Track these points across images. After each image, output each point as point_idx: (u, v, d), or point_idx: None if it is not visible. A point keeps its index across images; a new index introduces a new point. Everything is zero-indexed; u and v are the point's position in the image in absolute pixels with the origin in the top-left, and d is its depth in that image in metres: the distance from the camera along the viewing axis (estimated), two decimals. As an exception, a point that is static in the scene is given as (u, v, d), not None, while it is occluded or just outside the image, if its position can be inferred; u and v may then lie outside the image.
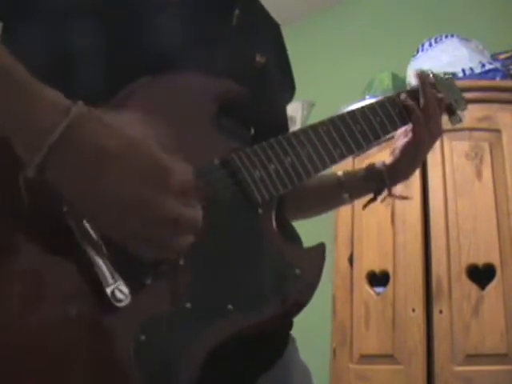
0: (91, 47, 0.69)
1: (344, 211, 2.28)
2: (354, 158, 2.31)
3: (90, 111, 0.52)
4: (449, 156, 2.02)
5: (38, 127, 0.50)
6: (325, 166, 0.77)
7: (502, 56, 2.24)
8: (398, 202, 2.08)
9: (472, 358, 1.77)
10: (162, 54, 0.71)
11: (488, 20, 2.52)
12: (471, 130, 2.01)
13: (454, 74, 2.14)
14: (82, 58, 0.69)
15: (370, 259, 2.15)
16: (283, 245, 0.70)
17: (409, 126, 0.91)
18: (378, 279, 2.11)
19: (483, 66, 2.15)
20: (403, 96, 0.90)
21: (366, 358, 2.06)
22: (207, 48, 0.75)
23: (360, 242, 2.21)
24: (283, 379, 0.77)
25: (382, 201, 0.98)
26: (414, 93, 0.92)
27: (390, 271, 2.06)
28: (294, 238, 0.83)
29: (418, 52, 2.39)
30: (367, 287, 2.13)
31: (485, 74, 2.13)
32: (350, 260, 2.23)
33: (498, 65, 2.15)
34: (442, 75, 1.02)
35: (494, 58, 2.24)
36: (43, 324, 0.54)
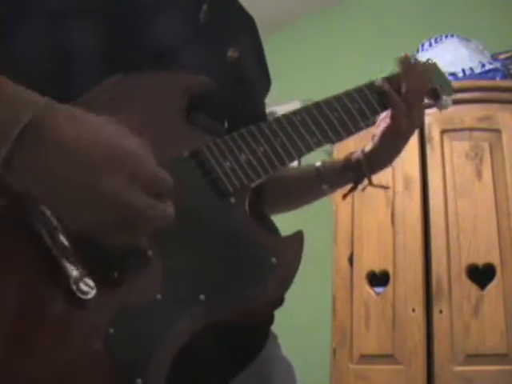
0: (91, 47, 0.69)
1: (344, 211, 2.28)
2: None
3: (56, 104, 0.53)
4: (449, 156, 2.02)
5: (4, 121, 0.50)
6: (300, 154, 0.76)
7: (502, 56, 2.25)
8: (397, 202, 2.08)
9: (472, 357, 1.77)
10: (159, 53, 0.72)
11: (488, 20, 2.52)
12: (471, 129, 2.01)
13: (454, 74, 2.14)
14: (81, 57, 0.69)
15: (370, 259, 2.15)
16: (258, 234, 0.69)
17: (388, 112, 0.89)
18: (378, 279, 2.11)
19: (483, 66, 2.15)
20: (380, 82, 0.88)
21: (366, 358, 2.06)
22: (176, 43, 0.75)
23: (360, 242, 2.21)
24: (263, 375, 0.77)
25: (363, 189, 0.96)
26: (394, 78, 0.89)
27: (390, 271, 2.06)
28: (272, 229, 0.82)
29: (417, 52, 2.39)
30: (367, 287, 2.13)
31: (485, 73, 2.13)
32: (350, 260, 2.23)
33: (498, 65, 2.15)
34: (426, 60, 1.01)
35: (494, 57, 2.24)
36: (13, 319, 0.54)
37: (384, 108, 0.88)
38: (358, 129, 0.84)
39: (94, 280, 0.56)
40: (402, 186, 2.08)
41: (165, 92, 0.69)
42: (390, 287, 2.05)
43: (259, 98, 0.92)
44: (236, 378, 0.72)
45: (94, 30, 0.70)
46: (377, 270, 2.12)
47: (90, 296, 0.55)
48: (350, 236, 2.26)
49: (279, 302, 0.81)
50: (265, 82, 0.95)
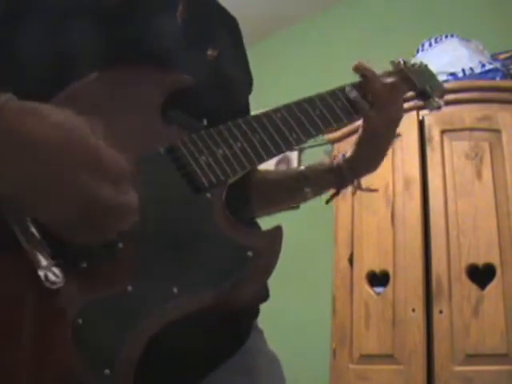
0: (90, 47, 0.69)
1: (344, 211, 2.28)
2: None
3: (15, 100, 0.52)
4: (449, 156, 2.02)
5: None
6: (279, 151, 0.75)
7: (502, 56, 2.25)
8: (397, 202, 2.09)
9: (472, 357, 1.77)
10: (157, 54, 0.72)
11: (488, 20, 2.52)
12: (471, 130, 2.01)
13: (454, 74, 2.14)
14: (81, 58, 0.69)
15: (370, 259, 2.15)
16: (235, 228, 0.68)
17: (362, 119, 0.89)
18: (378, 279, 2.11)
19: (483, 66, 2.15)
20: (348, 89, 0.87)
21: (366, 358, 2.06)
22: (154, 42, 0.75)
23: (360, 242, 2.21)
24: (248, 365, 0.77)
25: (353, 193, 0.96)
26: (360, 84, 0.89)
27: (390, 271, 2.06)
28: (250, 223, 0.82)
29: (418, 52, 2.39)
30: (367, 287, 2.13)
31: (485, 74, 2.13)
32: (350, 260, 2.23)
33: (498, 65, 2.16)
34: (415, 62, 1.00)
35: (494, 57, 2.24)
36: None
37: (348, 116, 0.86)
38: (339, 123, 0.84)
39: (62, 270, 0.55)
40: (402, 186, 2.08)
41: (141, 89, 0.69)
42: (390, 287, 2.05)
43: (240, 96, 0.91)
44: (219, 368, 0.72)
45: (94, 30, 0.70)
46: (377, 270, 2.12)
47: (57, 285, 0.55)
48: (350, 236, 2.26)
49: (263, 296, 0.81)
50: (246, 81, 0.95)
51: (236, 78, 0.88)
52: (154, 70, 0.71)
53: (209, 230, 0.67)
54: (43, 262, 0.55)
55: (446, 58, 2.20)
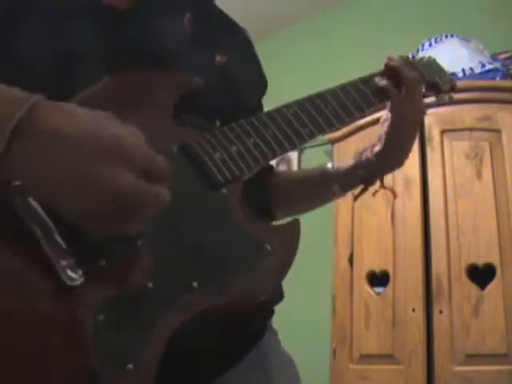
0: (91, 47, 0.70)
1: (344, 211, 2.28)
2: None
3: (45, 100, 0.54)
4: (449, 156, 2.02)
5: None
6: (293, 146, 0.76)
7: (502, 56, 2.25)
8: (398, 202, 2.09)
9: (472, 357, 1.77)
10: (141, 49, 0.72)
11: (488, 20, 2.52)
12: (471, 130, 2.01)
13: (454, 74, 2.14)
14: (81, 58, 0.69)
15: (370, 259, 2.15)
16: (252, 222, 0.69)
17: (387, 114, 0.89)
18: (378, 279, 2.11)
19: (483, 66, 2.15)
20: (378, 78, 0.88)
21: (366, 358, 2.06)
22: (164, 47, 0.75)
23: (360, 242, 2.21)
24: (263, 362, 0.77)
25: (374, 194, 0.96)
26: (388, 74, 0.90)
27: (390, 271, 2.06)
28: (266, 218, 0.82)
29: (418, 52, 2.39)
30: (367, 287, 2.13)
31: (485, 74, 2.13)
32: (350, 260, 2.23)
33: (498, 65, 2.16)
34: (423, 56, 1.01)
35: (494, 57, 2.24)
36: (8, 310, 0.54)
37: (380, 101, 0.88)
38: (352, 119, 0.84)
39: (81, 268, 0.56)
40: (402, 186, 2.08)
41: (152, 91, 0.70)
42: (389, 287, 2.05)
43: (251, 98, 0.92)
44: (234, 367, 0.72)
45: (94, 30, 0.70)
46: (377, 270, 2.12)
47: (77, 283, 0.55)
48: (350, 236, 2.26)
49: (278, 297, 0.81)
50: (258, 83, 0.95)
51: (246, 81, 0.88)
52: (164, 73, 0.72)
53: (226, 225, 0.68)
54: (62, 259, 0.55)
55: (446, 58, 2.20)
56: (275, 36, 3.38)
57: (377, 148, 0.92)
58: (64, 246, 0.56)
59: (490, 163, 1.94)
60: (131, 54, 0.71)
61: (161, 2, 0.80)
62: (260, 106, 0.94)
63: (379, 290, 2.09)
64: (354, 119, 0.85)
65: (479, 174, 1.95)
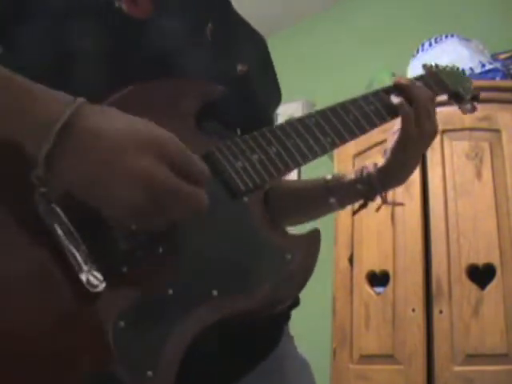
0: (91, 48, 0.69)
1: (344, 211, 2.27)
2: (354, 157, 2.31)
3: (89, 103, 0.56)
4: (449, 156, 2.02)
5: (43, 121, 0.54)
6: (314, 155, 0.75)
7: (502, 56, 2.25)
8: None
9: (472, 357, 1.77)
10: (161, 58, 0.72)
11: (488, 20, 2.52)
12: (471, 129, 2.01)
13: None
14: (81, 58, 0.69)
15: (370, 259, 2.15)
16: (273, 231, 0.69)
17: (398, 126, 0.87)
18: (378, 279, 2.11)
19: (483, 66, 2.15)
20: (391, 96, 0.87)
21: (366, 358, 2.06)
22: (186, 59, 0.76)
23: (360, 243, 2.21)
24: (276, 372, 0.77)
25: (377, 210, 0.95)
26: (399, 88, 0.88)
27: (390, 271, 2.06)
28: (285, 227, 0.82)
29: (417, 52, 2.39)
30: (367, 287, 2.13)
31: (485, 74, 2.13)
32: (350, 260, 2.23)
33: (498, 65, 2.16)
34: (447, 65, 1.00)
35: (494, 57, 2.24)
36: (21, 313, 0.54)
37: (392, 118, 0.87)
38: (373, 127, 0.84)
39: (103, 274, 0.56)
40: (401, 187, 2.07)
41: (175, 99, 0.70)
42: (389, 287, 2.05)
43: (269, 110, 0.92)
44: (248, 375, 0.72)
45: (95, 30, 0.70)
46: (377, 270, 2.12)
47: (99, 289, 0.56)
48: (350, 236, 2.26)
49: (294, 302, 0.81)
50: (275, 94, 0.95)
51: (264, 93, 0.88)
52: (187, 81, 0.73)
53: (247, 234, 0.68)
54: (85, 265, 0.56)
55: (446, 58, 2.20)
56: (276, 36, 3.38)
57: (380, 164, 0.90)
58: (86, 251, 0.56)
59: (490, 163, 1.94)
60: (149, 63, 0.72)
61: (181, 12, 0.80)
62: (272, 119, 0.93)
63: (379, 290, 2.09)
64: (373, 129, 0.84)
65: (479, 174, 1.95)
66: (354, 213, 0.95)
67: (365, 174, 0.90)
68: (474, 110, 0.98)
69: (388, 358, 1.98)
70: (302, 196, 0.97)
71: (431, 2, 2.79)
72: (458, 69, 1.01)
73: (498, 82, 2.10)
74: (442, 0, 2.75)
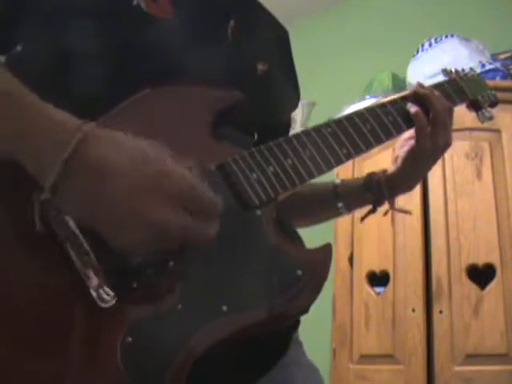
0: (91, 48, 0.69)
1: (344, 211, 2.28)
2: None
3: (97, 130, 0.55)
4: (449, 156, 2.02)
5: (50, 145, 0.53)
6: (329, 167, 0.74)
7: (502, 56, 2.24)
8: (398, 202, 2.08)
9: (472, 358, 1.77)
10: (160, 61, 0.71)
11: (488, 20, 2.52)
12: (471, 129, 2.01)
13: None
14: (81, 58, 0.69)
15: (370, 259, 2.15)
16: (284, 246, 0.68)
17: (411, 133, 0.87)
18: (378, 279, 2.11)
19: (483, 66, 2.15)
20: (408, 104, 0.86)
21: (366, 358, 2.06)
22: (204, 60, 0.75)
23: (360, 242, 2.21)
24: (284, 380, 0.76)
25: (384, 214, 0.94)
26: (418, 98, 0.87)
27: (390, 271, 2.06)
28: (297, 240, 0.82)
29: (417, 52, 2.39)
30: (367, 287, 2.13)
31: (485, 74, 2.13)
32: (350, 260, 2.23)
33: (498, 65, 2.15)
34: (467, 71, 0.99)
35: (494, 57, 2.24)
36: (29, 325, 0.54)
37: (408, 127, 0.86)
38: (390, 139, 0.82)
39: (113, 289, 0.56)
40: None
41: (192, 106, 0.69)
42: (390, 287, 2.05)
43: (287, 110, 0.91)
44: (258, 382, 0.71)
45: (95, 30, 0.70)
46: (377, 270, 2.12)
47: (109, 304, 0.55)
48: (350, 236, 2.26)
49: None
50: (293, 96, 0.94)
51: (284, 93, 0.87)
52: (204, 86, 0.71)
53: (259, 248, 0.67)
54: (95, 280, 0.55)
55: (446, 58, 2.20)
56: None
57: (389, 170, 0.90)
58: (97, 266, 0.56)
59: (490, 163, 1.94)
60: (164, 64, 0.71)
61: (203, 11, 0.79)
62: (289, 121, 0.92)
63: (379, 289, 2.09)
64: (391, 139, 0.83)
65: (479, 174, 1.95)
66: (363, 218, 0.94)
67: (374, 180, 0.91)
68: (491, 118, 0.97)
69: (388, 357, 1.97)
70: (310, 200, 0.97)
71: (431, 2, 2.79)
72: (478, 75, 0.99)
73: (498, 82, 2.10)
74: (442, 0, 2.75)
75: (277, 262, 0.67)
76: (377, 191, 0.91)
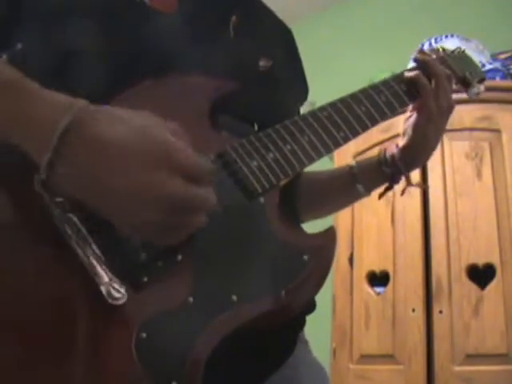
0: (91, 47, 0.69)
1: (344, 211, 2.28)
2: (354, 157, 2.31)
3: (92, 106, 0.54)
4: (449, 156, 2.02)
5: (44, 125, 0.52)
6: (328, 151, 0.74)
7: (502, 56, 2.25)
8: (397, 202, 2.08)
9: (472, 357, 1.77)
10: (162, 56, 0.71)
11: (488, 20, 2.52)
12: (471, 129, 2.01)
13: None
14: (81, 57, 0.68)
15: (370, 259, 2.15)
16: (289, 232, 0.68)
17: (418, 103, 0.87)
18: (378, 279, 2.11)
19: (483, 66, 2.15)
20: (409, 71, 0.87)
21: (366, 358, 2.06)
22: (205, 54, 0.75)
23: (360, 242, 2.21)
24: (290, 380, 0.76)
25: (402, 193, 0.93)
26: (419, 68, 0.88)
27: (390, 271, 2.06)
28: (299, 226, 0.82)
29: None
30: (367, 287, 2.13)
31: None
32: (350, 260, 2.23)
33: (497, 65, 2.15)
34: (454, 49, 0.99)
35: (494, 57, 2.24)
36: (40, 325, 0.54)
37: (412, 98, 0.86)
38: (385, 119, 0.83)
39: (123, 286, 0.56)
40: (401, 186, 2.08)
41: (189, 95, 0.69)
42: (389, 287, 2.05)
43: (292, 105, 0.91)
44: (267, 380, 0.71)
45: (95, 29, 0.70)
46: (377, 270, 2.12)
47: (121, 301, 0.55)
48: (350, 236, 2.26)
49: (312, 306, 0.81)
50: (301, 90, 0.94)
51: (289, 88, 0.87)
52: (200, 76, 0.71)
53: (264, 235, 0.67)
54: (105, 277, 0.55)
55: (446, 57, 2.20)
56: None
57: (401, 143, 0.90)
58: (106, 262, 0.56)
59: (490, 163, 1.94)
60: (164, 58, 0.71)
61: (205, 6, 0.79)
62: (298, 112, 0.92)
63: (379, 289, 2.09)
64: (386, 119, 0.83)
65: (479, 174, 1.95)
66: (380, 196, 0.93)
67: (388, 155, 0.90)
68: (478, 93, 0.97)
69: (388, 357, 1.98)
70: (328, 186, 0.96)
71: (431, 2, 2.79)
72: (463, 52, 0.99)
73: (498, 82, 2.10)
74: (442, 0, 2.75)
75: (283, 248, 0.67)
76: (392, 165, 0.90)
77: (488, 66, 2.15)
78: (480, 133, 1.99)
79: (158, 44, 0.72)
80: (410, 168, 0.91)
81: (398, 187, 0.93)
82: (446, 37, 2.33)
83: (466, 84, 0.96)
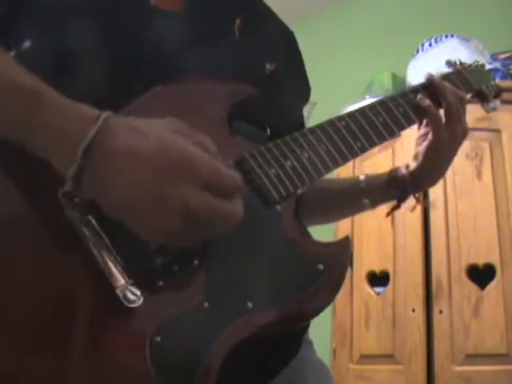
0: (92, 47, 0.69)
1: (344, 211, 2.28)
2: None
3: (116, 117, 0.54)
4: (449, 156, 2.02)
5: (70, 137, 0.52)
6: (345, 160, 0.75)
7: (502, 56, 2.25)
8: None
9: (472, 357, 1.77)
10: (165, 57, 0.71)
11: (488, 20, 2.52)
12: (471, 129, 1.99)
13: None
14: (82, 57, 0.68)
15: (370, 259, 2.15)
16: (305, 240, 0.68)
17: (427, 129, 0.88)
18: (378, 279, 2.11)
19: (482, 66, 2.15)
20: (419, 97, 0.86)
21: (366, 358, 2.06)
22: (212, 57, 0.75)
23: (360, 242, 2.21)
24: (296, 379, 0.76)
25: (412, 210, 0.95)
26: (428, 90, 0.87)
27: (390, 271, 2.06)
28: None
29: (417, 52, 2.39)
30: (367, 287, 2.13)
31: (485, 74, 2.13)
32: (350, 260, 2.23)
33: (497, 65, 2.15)
34: (470, 62, 0.98)
35: (494, 57, 2.24)
36: (56, 327, 0.54)
37: (420, 119, 0.86)
38: (401, 130, 0.83)
39: (139, 289, 0.56)
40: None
41: (205, 101, 0.69)
42: (389, 287, 2.05)
43: (298, 106, 0.91)
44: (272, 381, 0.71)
45: (96, 29, 0.70)
46: (377, 270, 2.12)
47: (136, 304, 0.55)
48: (350, 236, 2.25)
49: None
50: (303, 92, 0.94)
51: (293, 90, 0.87)
52: (216, 82, 0.71)
53: (279, 243, 0.67)
54: (121, 280, 0.55)
55: (446, 58, 2.20)
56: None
57: (412, 166, 0.90)
58: (123, 265, 0.56)
59: (490, 163, 1.94)
60: (170, 60, 0.71)
61: (210, 7, 0.79)
62: (302, 117, 0.92)
63: (379, 289, 2.09)
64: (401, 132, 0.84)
65: (479, 174, 1.95)
66: (388, 214, 0.95)
67: (398, 176, 0.91)
68: (495, 108, 0.97)
69: (388, 357, 1.98)
70: (337, 196, 0.97)
71: (431, 2, 2.79)
72: (482, 66, 1.00)
73: (498, 82, 2.09)
74: (442, 0, 2.76)
75: (298, 256, 0.67)
76: (402, 187, 0.91)
77: (488, 66, 2.14)
78: (480, 133, 1.99)
79: (162, 44, 0.71)
80: (419, 190, 0.92)
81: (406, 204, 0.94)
82: (446, 37, 2.33)
83: (482, 97, 0.96)
